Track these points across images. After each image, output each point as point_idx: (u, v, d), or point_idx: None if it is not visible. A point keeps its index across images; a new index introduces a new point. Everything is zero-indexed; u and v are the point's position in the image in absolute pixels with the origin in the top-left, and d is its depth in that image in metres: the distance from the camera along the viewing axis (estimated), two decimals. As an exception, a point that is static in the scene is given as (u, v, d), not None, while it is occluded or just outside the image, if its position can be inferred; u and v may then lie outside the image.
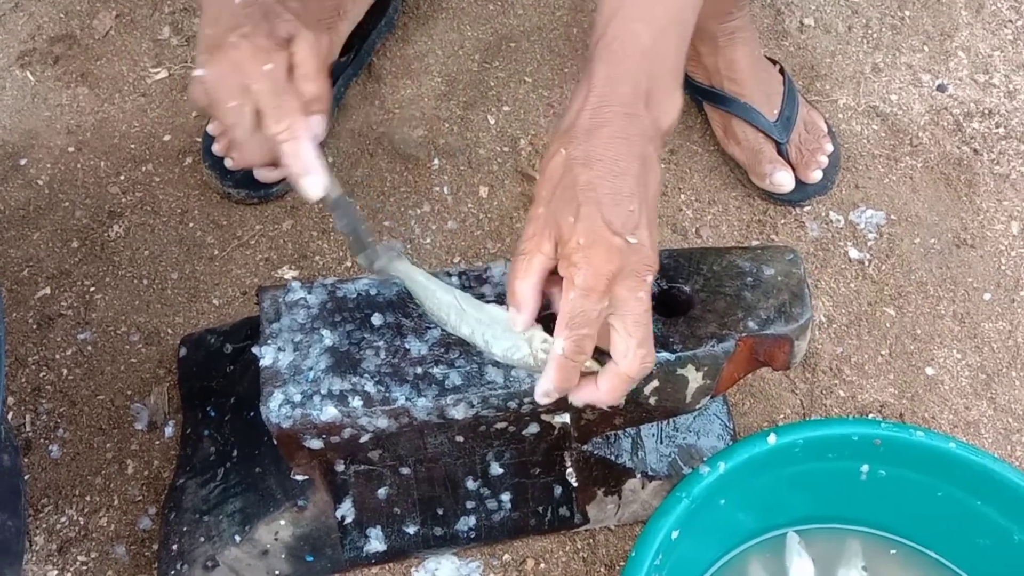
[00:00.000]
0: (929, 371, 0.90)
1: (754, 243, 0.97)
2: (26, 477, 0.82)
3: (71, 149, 1.03)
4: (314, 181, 0.60)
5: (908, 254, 0.96)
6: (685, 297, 0.68)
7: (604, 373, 0.58)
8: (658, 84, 0.58)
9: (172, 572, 0.74)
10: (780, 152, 0.98)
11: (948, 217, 0.99)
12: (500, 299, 0.68)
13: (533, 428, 0.69)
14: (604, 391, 0.58)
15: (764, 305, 0.67)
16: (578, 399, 0.60)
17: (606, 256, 0.54)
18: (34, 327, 0.91)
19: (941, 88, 1.09)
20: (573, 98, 0.58)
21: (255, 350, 0.66)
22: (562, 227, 0.55)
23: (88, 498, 0.82)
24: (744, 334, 0.65)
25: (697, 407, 0.69)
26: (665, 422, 0.78)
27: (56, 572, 0.79)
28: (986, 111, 1.07)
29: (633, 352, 0.56)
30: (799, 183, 0.97)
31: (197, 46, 0.62)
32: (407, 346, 0.66)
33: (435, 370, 0.64)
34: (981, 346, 0.91)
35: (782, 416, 0.87)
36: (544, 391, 0.58)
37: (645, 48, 0.57)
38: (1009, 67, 1.11)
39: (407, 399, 0.63)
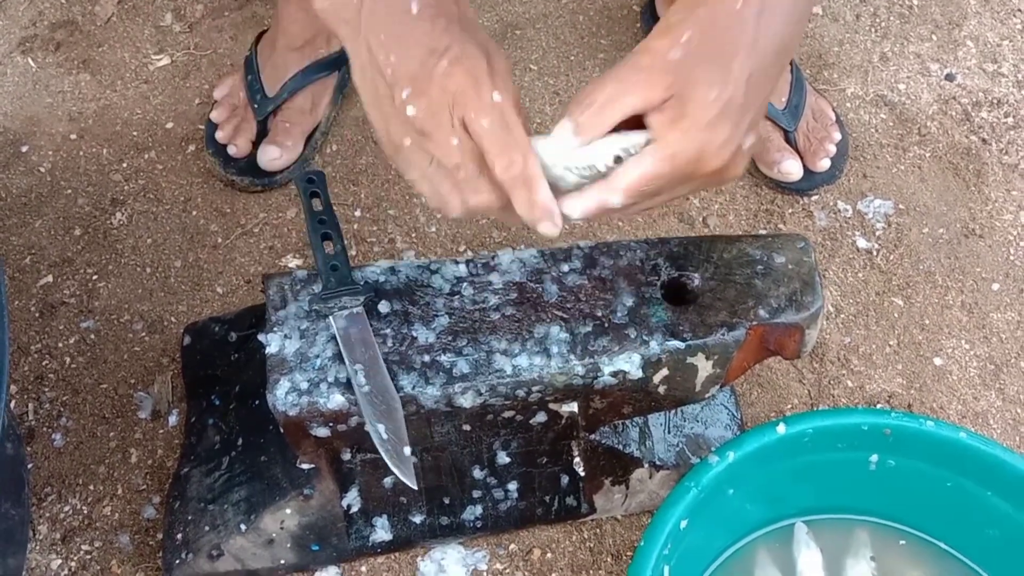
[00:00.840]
0: (937, 361, 0.89)
1: (761, 232, 0.96)
2: (29, 466, 0.82)
3: (73, 136, 1.02)
4: (555, 223, 0.52)
5: (916, 244, 0.95)
6: (695, 285, 0.67)
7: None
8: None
9: (177, 561, 0.73)
10: (788, 140, 0.97)
11: (956, 207, 0.98)
12: (507, 288, 0.67)
13: (541, 417, 0.69)
14: (582, 208, 0.53)
15: (775, 293, 0.66)
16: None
17: (718, 151, 0.49)
18: (36, 315, 0.90)
19: (950, 77, 1.09)
20: None
21: (261, 337, 0.65)
22: (697, 94, 0.49)
23: (92, 487, 0.82)
24: (755, 323, 0.65)
25: (706, 396, 0.69)
26: (673, 412, 0.78)
27: (60, 561, 0.78)
28: (995, 100, 1.07)
29: (640, 210, 0.54)
30: (807, 172, 0.97)
31: (390, 79, 0.50)
32: (414, 334, 0.65)
33: (443, 358, 0.64)
34: (990, 336, 0.91)
35: (789, 406, 0.86)
36: (565, 216, 0.53)
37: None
38: (1018, 56, 1.11)
39: (414, 387, 0.62)
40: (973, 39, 1.12)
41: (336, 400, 0.62)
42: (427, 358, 0.64)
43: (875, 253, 0.95)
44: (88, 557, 0.78)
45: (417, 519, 0.74)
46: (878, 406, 0.86)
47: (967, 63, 1.10)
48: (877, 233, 0.96)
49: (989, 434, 0.86)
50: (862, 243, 0.95)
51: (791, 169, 0.95)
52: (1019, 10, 1.15)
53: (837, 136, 0.99)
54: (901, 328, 0.91)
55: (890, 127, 1.04)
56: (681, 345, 0.64)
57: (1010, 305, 0.92)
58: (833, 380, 0.88)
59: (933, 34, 1.12)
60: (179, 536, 0.74)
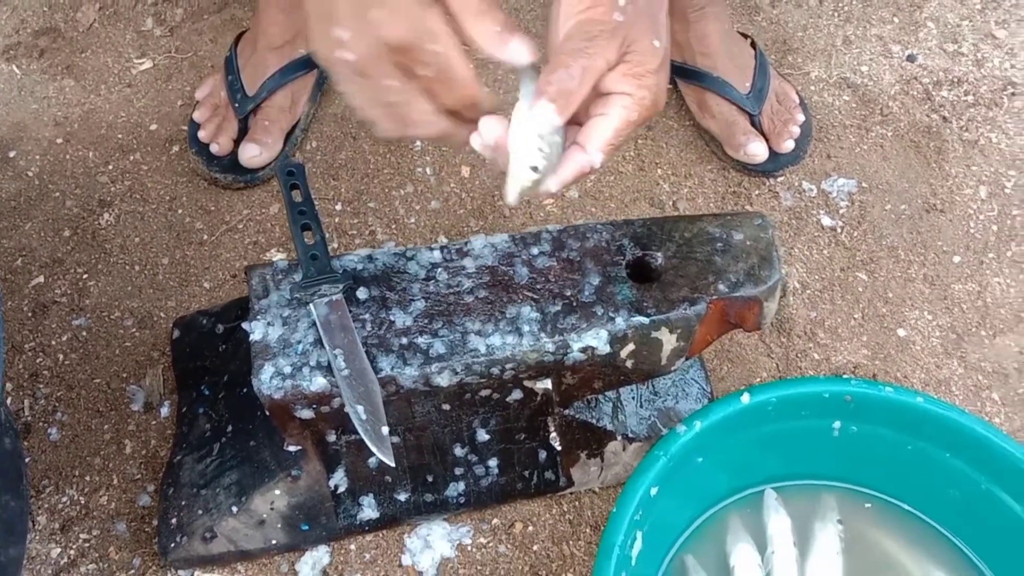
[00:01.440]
0: (901, 332, 0.92)
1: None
2: (27, 459, 0.85)
3: (59, 140, 1.04)
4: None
5: (879, 220, 0.99)
6: (658, 264, 0.70)
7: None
8: None
9: (172, 545, 0.76)
10: (753, 124, 1.00)
11: (918, 183, 1.02)
12: (479, 272, 0.70)
13: (516, 394, 0.72)
14: (566, 176, 0.56)
15: (734, 269, 0.69)
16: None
17: (664, 93, 0.57)
18: (29, 315, 0.93)
19: (911, 58, 1.12)
20: None
21: (245, 325, 0.68)
22: (643, 45, 0.54)
23: (88, 478, 0.85)
24: (715, 297, 0.68)
25: (672, 369, 0.72)
26: (645, 386, 0.81)
27: (59, 550, 0.81)
28: (955, 79, 1.10)
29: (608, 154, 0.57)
30: (772, 153, 1.00)
31: (327, 21, 0.50)
32: (392, 318, 0.68)
33: (419, 340, 0.67)
34: (951, 307, 0.94)
35: (759, 379, 0.89)
36: (549, 189, 0.56)
37: None
38: (977, 36, 1.14)
39: (393, 368, 0.65)
40: (934, 20, 1.15)
41: (318, 383, 0.65)
42: (404, 340, 0.67)
43: (839, 230, 0.98)
44: (87, 545, 0.81)
45: (402, 497, 0.78)
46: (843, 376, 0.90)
47: (928, 44, 1.13)
48: (841, 211, 0.99)
49: (952, 400, 0.89)
50: (827, 221, 0.99)
51: (756, 151, 0.98)
52: (978, -10, 1.18)
53: (800, 118, 1.02)
54: (865, 301, 0.94)
55: (853, 108, 1.07)
56: (645, 320, 0.67)
57: (970, 276, 0.96)
58: (800, 353, 0.91)
59: (895, 16, 1.16)
60: (173, 521, 0.77)
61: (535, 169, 0.54)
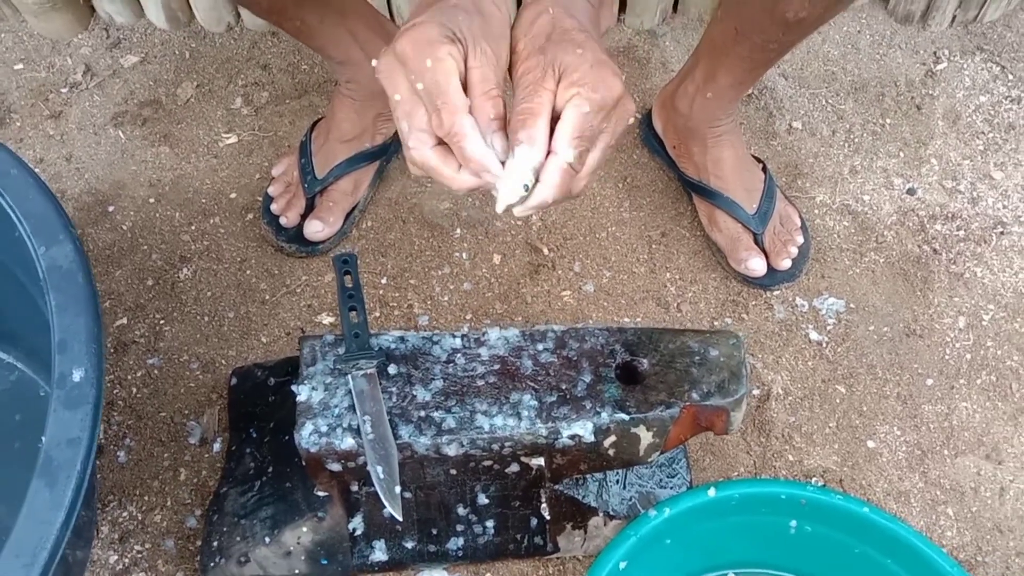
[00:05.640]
0: (870, 444, 1.03)
1: (727, 320, 1.11)
2: (98, 476, 0.99)
3: (151, 200, 1.21)
4: (492, 173, 0.60)
5: (862, 339, 1.10)
6: (643, 369, 0.82)
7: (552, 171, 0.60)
8: None
9: (212, 564, 0.89)
10: (756, 241, 1.12)
11: (902, 309, 1.12)
12: (492, 360, 0.83)
13: (514, 467, 0.84)
14: (550, 190, 0.61)
15: (707, 380, 0.81)
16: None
17: (615, 79, 0.60)
18: (111, 351, 1.08)
19: (911, 191, 1.23)
20: None
21: (294, 387, 0.82)
22: (568, 59, 0.59)
23: (146, 498, 0.99)
24: (688, 403, 0.80)
25: (649, 460, 0.83)
26: (630, 471, 0.92)
27: (116, 557, 0.95)
28: (950, 214, 1.21)
29: (588, 173, 0.62)
30: (771, 269, 1.12)
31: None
32: (414, 393, 0.81)
33: (435, 414, 0.80)
34: (919, 425, 1.04)
35: (736, 473, 1.00)
36: (541, 200, 0.61)
37: None
38: (976, 175, 1.25)
39: (410, 436, 0.78)
40: (937, 157, 1.27)
41: (348, 442, 0.78)
42: (423, 413, 0.80)
43: (825, 345, 1.09)
44: (139, 556, 0.95)
45: (409, 545, 0.90)
46: (813, 479, 1.00)
47: (929, 179, 1.24)
48: (828, 328, 1.10)
49: (909, 511, 0.99)
50: (814, 335, 1.10)
51: (756, 267, 1.10)
52: (982, 133, 1.29)
53: (800, 240, 1.14)
54: (841, 412, 1.05)
55: (851, 234, 1.19)
56: (626, 417, 0.79)
57: (941, 399, 1.06)
58: (776, 453, 1.02)
59: (901, 151, 1.27)
60: (215, 543, 0.90)
61: (525, 187, 0.61)
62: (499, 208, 0.62)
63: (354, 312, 0.85)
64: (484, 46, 0.60)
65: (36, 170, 1.22)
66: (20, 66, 1.33)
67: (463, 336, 0.85)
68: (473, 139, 0.59)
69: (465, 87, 0.60)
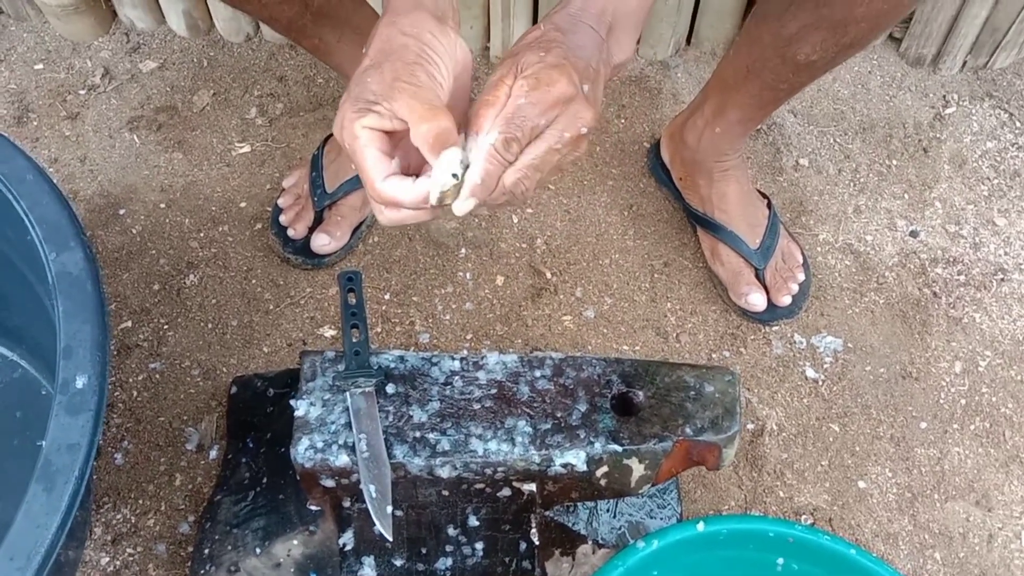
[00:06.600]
0: (861, 484, 1.03)
1: (725, 353, 1.12)
2: (94, 477, 1.00)
3: (162, 205, 1.22)
4: (433, 193, 0.61)
5: (858, 379, 1.10)
6: (638, 401, 0.83)
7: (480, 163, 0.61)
8: (620, 23, 0.68)
9: (202, 572, 0.90)
10: (757, 276, 1.13)
11: (899, 351, 1.13)
12: (489, 385, 0.84)
13: (506, 492, 0.85)
14: (477, 172, 0.60)
15: (701, 416, 0.82)
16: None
17: (565, 79, 0.60)
18: (115, 353, 1.09)
19: (914, 234, 1.24)
20: (552, 9, 0.68)
21: (292, 402, 0.83)
22: (529, 59, 0.61)
23: (140, 501, 1.00)
24: (681, 438, 0.81)
25: (640, 492, 0.84)
26: (621, 500, 0.93)
27: (107, 559, 0.96)
28: (951, 259, 1.22)
29: (524, 167, 0.61)
30: (771, 305, 1.13)
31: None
32: (411, 413, 0.82)
33: (430, 435, 0.81)
34: (911, 468, 1.05)
35: (726, 507, 1.01)
36: (472, 186, 0.61)
37: None
38: (979, 221, 1.26)
39: (404, 456, 0.79)
40: (941, 201, 1.28)
41: (342, 460, 0.79)
42: (418, 434, 0.81)
43: (820, 383, 1.10)
44: (131, 559, 0.96)
45: (398, 562, 0.91)
46: (802, 518, 1.01)
47: (932, 222, 1.25)
48: (825, 366, 1.11)
49: (897, 554, 0.99)
50: (811, 373, 1.10)
51: (756, 302, 1.11)
52: (987, 178, 1.30)
53: (801, 277, 1.15)
54: (834, 451, 1.05)
55: (852, 273, 1.20)
56: (619, 448, 0.80)
57: (933, 443, 1.06)
58: (767, 489, 1.02)
59: (906, 193, 1.28)
60: (206, 551, 0.91)
61: (455, 176, 0.61)
62: (432, 200, 0.62)
63: (356, 330, 0.86)
64: (401, 84, 0.60)
65: (50, 170, 1.24)
66: (40, 66, 1.34)
67: (462, 359, 0.86)
68: (403, 193, 0.61)
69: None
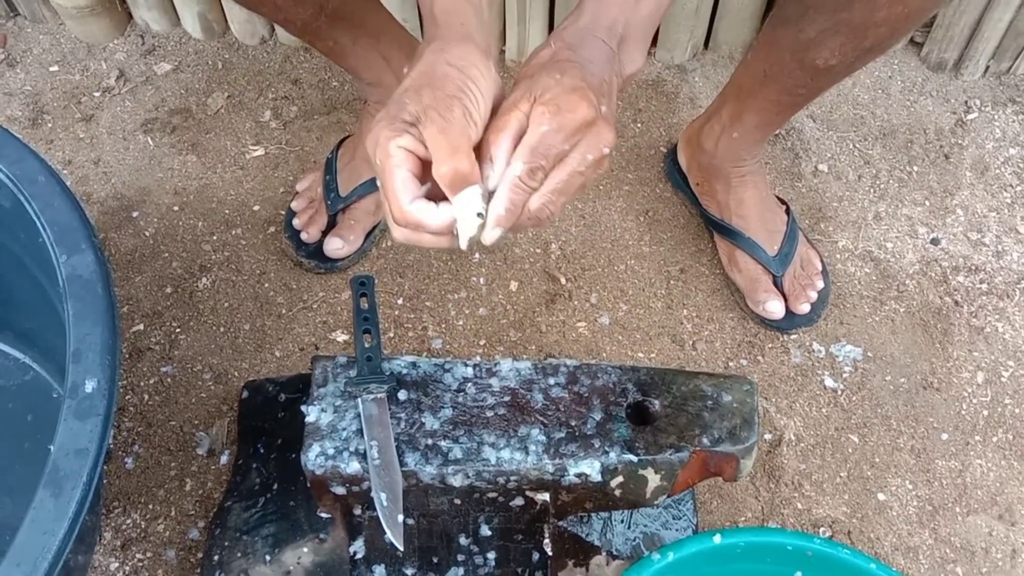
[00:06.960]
0: (881, 496, 1.01)
1: (742, 361, 1.10)
2: (104, 482, 0.99)
3: (176, 208, 1.22)
4: (457, 221, 0.60)
5: (878, 389, 1.08)
6: (654, 410, 0.82)
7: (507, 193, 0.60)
8: (631, 34, 0.67)
9: (211, 578, 0.89)
10: (775, 283, 1.11)
11: (920, 360, 1.11)
12: (502, 392, 0.83)
13: (519, 501, 0.83)
14: (502, 203, 0.60)
15: (718, 426, 0.80)
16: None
17: (585, 104, 0.60)
18: (126, 356, 1.09)
19: (935, 241, 1.22)
20: (562, 23, 0.67)
21: (303, 407, 0.82)
22: (546, 82, 0.60)
23: (151, 506, 0.99)
24: (698, 448, 0.79)
25: (655, 503, 0.83)
26: (637, 511, 0.92)
27: (117, 564, 0.95)
28: (973, 267, 1.19)
29: (548, 192, 0.60)
30: (789, 313, 1.11)
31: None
32: (423, 420, 0.81)
33: (442, 443, 0.80)
34: (932, 480, 1.02)
35: (743, 519, 0.99)
36: (496, 216, 0.60)
37: (628, 2, 0.67)
38: (1002, 228, 1.23)
39: (416, 464, 0.78)
40: (963, 208, 1.25)
41: (353, 467, 0.78)
42: (430, 442, 0.80)
43: (840, 393, 1.08)
44: (140, 564, 0.95)
45: (409, 572, 0.89)
46: (821, 530, 0.99)
47: (953, 230, 1.23)
48: (844, 375, 1.09)
49: (918, 568, 0.97)
50: (829, 382, 1.08)
51: (774, 310, 1.10)
52: (1010, 186, 1.28)
53: (820, 285, 1.13)
54: (853, 463, 1.03)
55: (872, 281, 1.18)
56: (635, 459, 0.78)
57: (955, 455, 1.04)
58: (785, 501, 1.00)
59: (927, 200, 1.26)
60: (216, 557, 0.90)
61: (480, 215, 0.60)
62: (463, 245, 0.61)
63: (368, 335, 0.85)
64: (434, 115, 0.59)
65: (64, 172, 1.24)
66: (55, 68, 1.34)
67: (475, 365, 0.85)
68: (428, 216, 0.60)
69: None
